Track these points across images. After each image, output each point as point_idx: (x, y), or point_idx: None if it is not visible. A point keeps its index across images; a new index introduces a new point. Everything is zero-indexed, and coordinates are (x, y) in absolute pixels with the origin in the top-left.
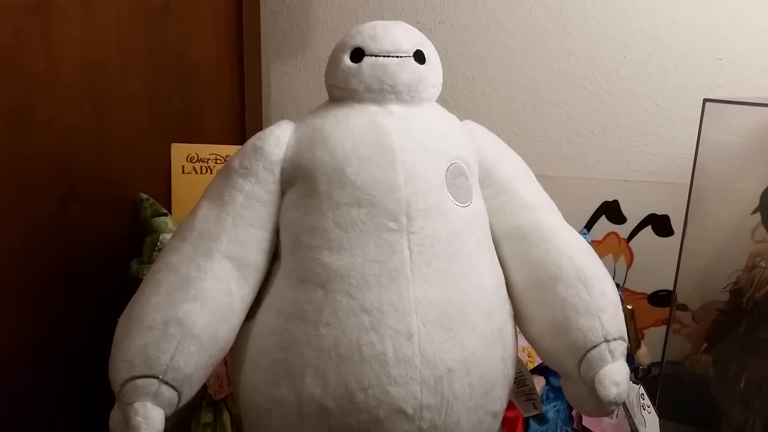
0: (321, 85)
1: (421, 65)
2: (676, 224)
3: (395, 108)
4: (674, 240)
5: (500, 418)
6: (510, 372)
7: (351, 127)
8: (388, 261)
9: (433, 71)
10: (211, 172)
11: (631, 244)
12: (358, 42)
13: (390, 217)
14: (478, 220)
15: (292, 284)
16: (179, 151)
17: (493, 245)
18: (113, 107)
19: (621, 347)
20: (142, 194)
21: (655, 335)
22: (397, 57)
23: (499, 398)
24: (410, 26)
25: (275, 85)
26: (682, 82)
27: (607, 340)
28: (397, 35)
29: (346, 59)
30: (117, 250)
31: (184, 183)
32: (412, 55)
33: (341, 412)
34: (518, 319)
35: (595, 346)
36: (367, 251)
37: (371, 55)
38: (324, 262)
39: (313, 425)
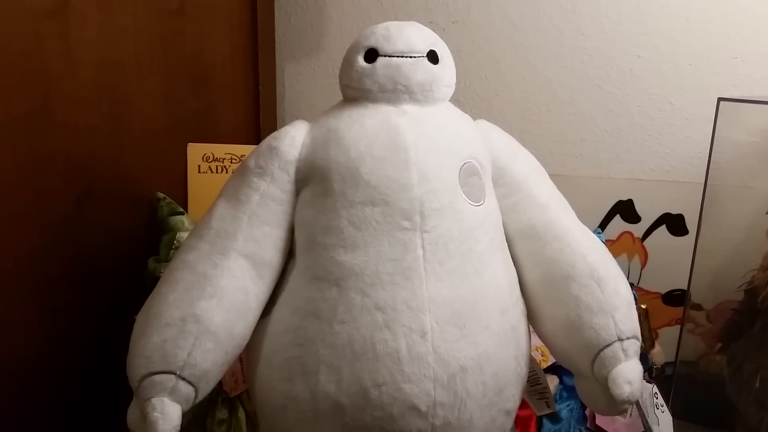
0: (335, 85)
1: (435, 65)
2: (691, 223)
3: (409, 108)
4: (689, 239)
5: (513, 416)
6: (523, 370)
7: (365, 127)
8: (401, 259)
9: (447, 71)
10: (227, 172)
11: (645, 243)
12: (371, 42)
13: (404, 216)
14: (492, 219)
15: (307, 282)
16: (195, 151)
17: (506, 244)
18: (130, 107)
19: (634, 346)
20: (159, 193)
21: (669, 335)
22: (410, 57)
23: (512, 396)
24: (424, 26)
25: (290, 86)
26: (697, 81)
27: (620, 339)
28: (410, 35)
29: (360, 60)
30: (134, 248)
31: (200, 182)
32: (425, 55)
33: (355, 408)
34: (531, 317)
35: (608, 345)
36: (381, 250)
37: (385, 56)
38: (338, 261)
39: (328, 421)
